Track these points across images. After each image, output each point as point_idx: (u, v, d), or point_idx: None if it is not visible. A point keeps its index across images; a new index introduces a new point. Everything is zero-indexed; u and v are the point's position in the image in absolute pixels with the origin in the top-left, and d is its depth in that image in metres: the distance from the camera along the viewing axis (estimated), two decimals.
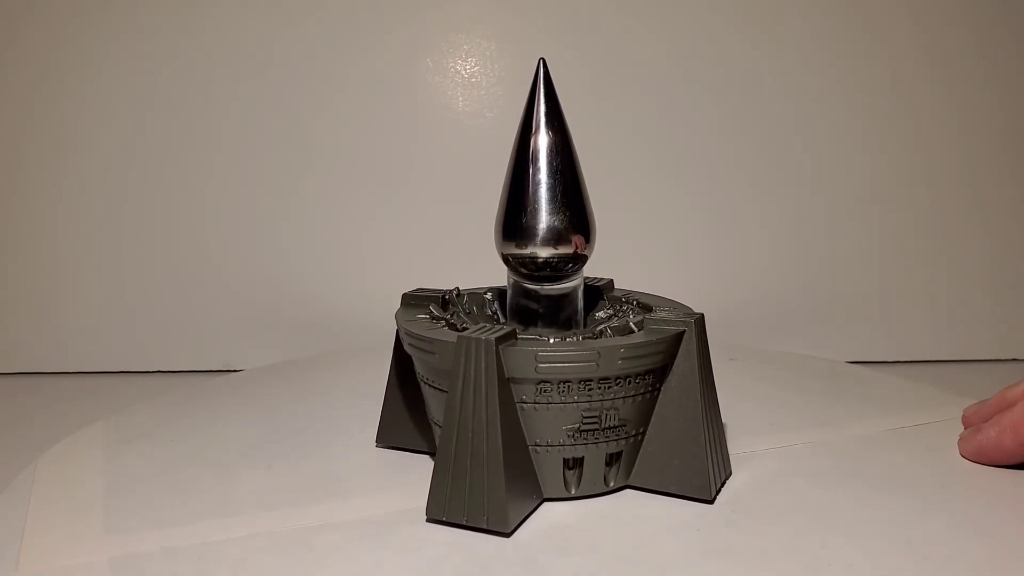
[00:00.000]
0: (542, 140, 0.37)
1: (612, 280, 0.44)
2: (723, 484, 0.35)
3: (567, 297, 0.39)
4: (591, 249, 0.38)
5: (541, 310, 0.39)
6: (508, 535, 0.31)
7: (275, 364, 0.60)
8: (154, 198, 0.67)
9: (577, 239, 0.37)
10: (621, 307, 0.42)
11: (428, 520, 0.33)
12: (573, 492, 0.34)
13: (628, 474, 0.35)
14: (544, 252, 0.37)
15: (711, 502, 0.34)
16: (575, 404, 0.33)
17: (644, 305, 0.40)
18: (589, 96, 0.68)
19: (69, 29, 0.65)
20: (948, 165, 0.70)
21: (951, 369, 0.70)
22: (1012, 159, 0.70)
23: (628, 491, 0.35)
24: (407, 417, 0.40)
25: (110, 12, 0.65)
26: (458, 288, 0.43)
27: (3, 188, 0.67)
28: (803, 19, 0.68)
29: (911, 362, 0.71)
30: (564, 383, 0.33)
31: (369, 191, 0.68)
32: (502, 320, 0.42)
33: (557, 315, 0.39)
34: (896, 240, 0.71)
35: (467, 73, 0.68)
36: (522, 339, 0.34)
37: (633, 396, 0.34)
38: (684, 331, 0.34)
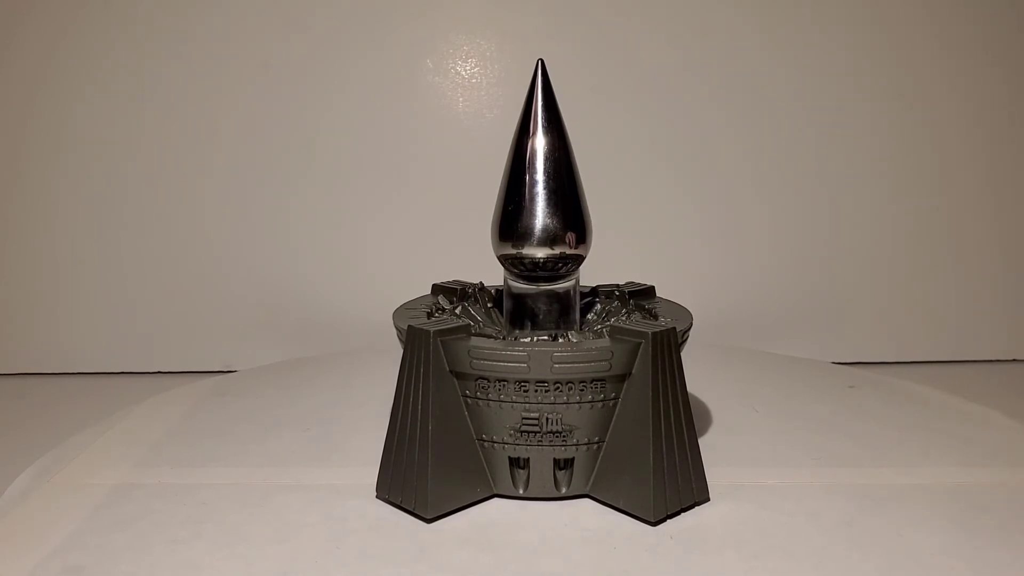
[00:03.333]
0: (539, 142, 0.37)
1: (653, 287, 0.43)
2: (684, 509, 0.34)
3: (557, 297, 0.39)
4: (586, 250, 0.38)
5: (532, 310, 0.39)
6: (428, 521, 0.33)
7: (274, 363, 0.60)
8: (154, 199, 0.67)
9: (571, 240, 0.37)
10: (636, 314, 0.41)
11: (377, 497, 0.35)
12: (522, 492, 0.35)
13: (587, 482, 0.34)
14: (538, 253, 0.37)
15: (653, 524, 0.32)
16: (512, 404, 0.33)
17: (655, 314, 0.40)
18: (589, 96, 0.68)
19: (69, 30, 0.65)
20: (948, 166, 0.70)
21: (951, 369, 0.70)
22: (1012, 160, 0.70)
23: (587, 500, 0.35)
24: None
25: (111, 13, 0.65)
26: (481, 283, 0.44)
27: (3, 188, 0.67)
28: (804, 20, 0.68)
29: (912, 363, 0.71)
30: (500, 381, 0.33)
31: (369, 191, 0.68)
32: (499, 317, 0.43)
33: (549, 315, 0.39)
34: (897, 242, 0.71)
35: (467, 74, 0.68)
36: (475, 335, 0.35)
37: (579, 403, 0.33)
38: (640, 343, 0.32)
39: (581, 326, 0.42)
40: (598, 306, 0.44)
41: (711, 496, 0.35)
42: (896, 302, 0.71)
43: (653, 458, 0.32)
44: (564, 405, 0.33)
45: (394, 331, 0.38)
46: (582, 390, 0.33)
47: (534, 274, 0.38)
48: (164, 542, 0.32)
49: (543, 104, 0.37)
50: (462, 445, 0.34)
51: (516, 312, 0.39)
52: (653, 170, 0.69)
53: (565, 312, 0.39)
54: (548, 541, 0.31)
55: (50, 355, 0.69)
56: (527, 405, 0.33)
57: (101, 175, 0.67)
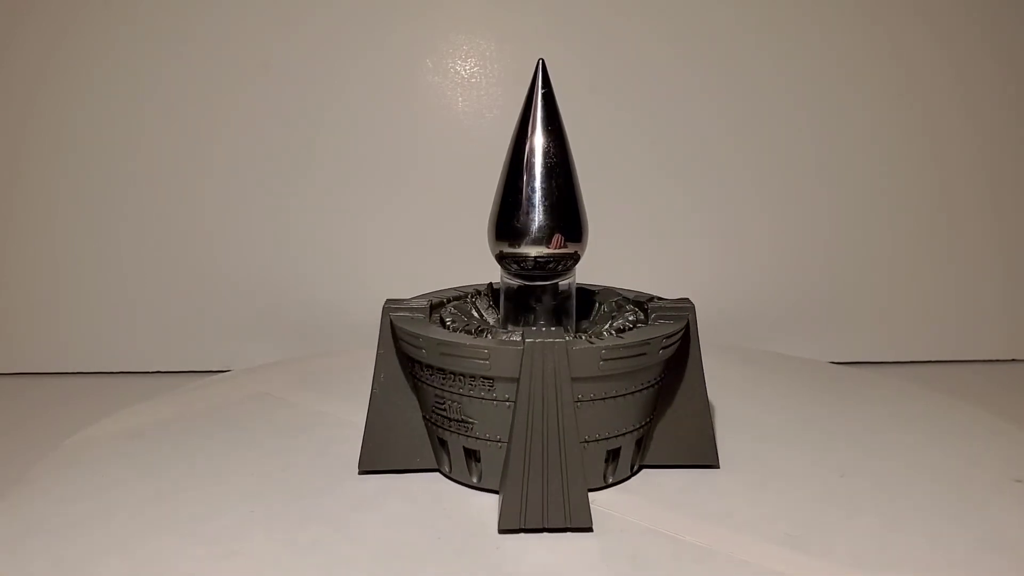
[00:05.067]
0: (537, 141, 0.37)
1: (692, 305, 0.39)
2: (553, 530, 0.32)
3: (555, 296, 0.39)
4: (582, 248, 0.38)
5: (530, 308, 0.39)
6: (360, 472, 0.37)
7: (274, 363, 0.60)
8: (154, 199, 0.68)
9: (559, 241, 0.37)
10: (638, 320, 0.41)
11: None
12: (448, 472, 0.37)
13: (498, 479, 0.35)
14: (533, 251, 0.37)
15: (499, 531, 0.32)
16: (426, 385, 0.36)
17: (631, 325, 0.39)
18: (589, 96, 0.68)
19: (70, 31, 0.65)
20: (948, 165, 0.70)
21: (951, 369, 0.70)
22: (1013, 159, 0.70)
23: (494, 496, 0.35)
24: None
25: (110, 14, 0.65)
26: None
27: (3, 188, 0.67)
28: (804, 19, 0.68)
29: (911, 362, 0.71)
30: (417, 363, 0.36)
31: (369, 191, 0.68)
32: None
33: (545, 313, 0.39)
34: (897, 241, 0.71)
35: (467, 73, 0.68)
36: (424, 320, 0.37)
37: (471, 397, 0.34)
38: (521, 349, 0.32)
39: (579, 326, 0.42)
40: (615, 310, 0.43)
41: (595, 528, 0.32)
42: (896, 302, 0.71)
43: (510, 465, 0.32)
44: (459, 396, 0.34)
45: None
46: (473, 384, 0.34)
47: (529, 272, 0.38)
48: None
49: (543, 104, 0.37)
50: (405, 416, 0.37)
51: (511, 310, 0.39)
52: (653, 170, 0.69)
53: (560, 311, 0.39)
54: (398, 517, 0.33)
55: (50, 355, 0.69)
56: (435, 390, 0.35)
57: (101, 175, 0.67)
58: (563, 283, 0.39)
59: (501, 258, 0.38)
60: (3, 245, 0.68)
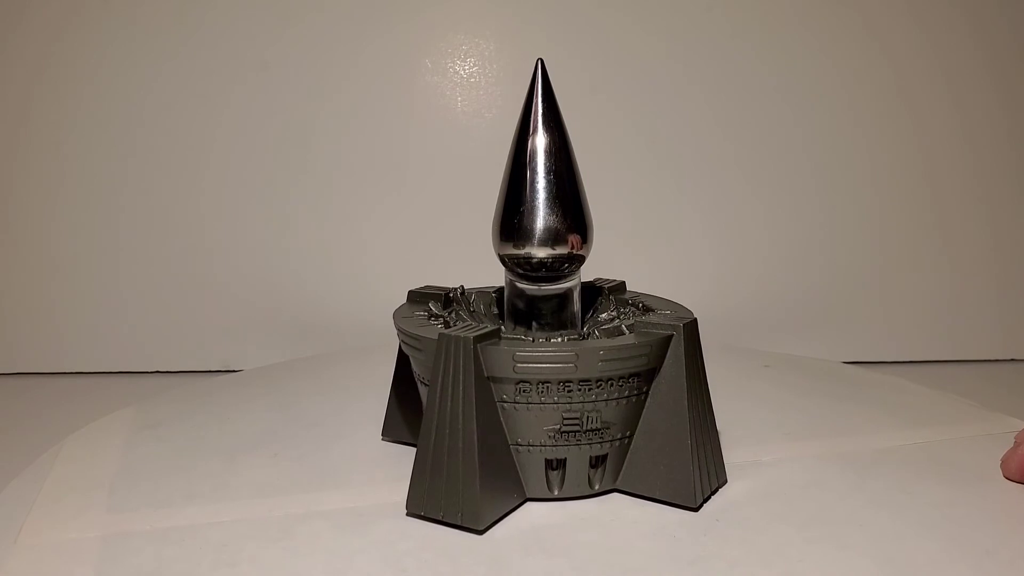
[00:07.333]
0: (539, 141, 0.37)
1: (624, 282, 0.43)
2: (713, 492, 0.35)
3: (563, 297, 0.39)
4: (588, 249, 0.38)
5: (538, 310, 0.39)
6: (481, 532, 0.32)
7: (275, 364, 0.60)
8: (153, 198, 0.67)
9: (574, 239, 0.37)
10: (624, 309, 0.41)
11: (408, 514, 0.33)
12: (556, 493, 0.34)
13: (615, 477, 0.35)
14: (540, 252, 0.37)
15: (696, 510, 0.33)
16: (555, 405, 0.33)
17: (647, 307, 0.40)
18: (588, 96, 0.68)
19: (67, 29, 0.65)
20: (947, 165, 0.70)
21: (950, 369, 0.70)
22: (1011, 159, 0.70)
23: (615, 495, 0.35)
24: (412, 412, 0.40)
25: (109, 12, 0.65)
26: (463, 286, 0.43)
27: (2, 188, 0.67)
28: (803, 20, 0.68)
29: (911, 362, 0.71)
30: (543, 383, 0.33)
31: (368, 191, 0.68)
32: (502, 320, 0.42)
33: (554, 315, 0.39)
34: (896, 240, 0.71)
35: (466, 73, 0.68)
36: (505, 339, 0.34)
37: (616, 399, 0.33)
38: (672, 335, 0.33)
39: (582, 325, 0.42)
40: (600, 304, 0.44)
41: (727, 477, 0.36)
42: (895, 302, 0.71)
43: (691, 446, 0.33)
44: (604, 402, 0.33)
45: (383, 333, 0.37)
46: (621, 386, 0.33)
47: (537, 274, 0.38)
48: None
49: (543, 104, 0.37)
50: (500, 452, 0.33)
51: (519, 312, 0.39)
52: (653, 170, 0.69)
53: (568, 311, 0.39)
54: (607, 538, 0.31)
55: (50, 355, 0.69)
56: (569, 405, 0.33)
57: (100, 174, 0.67)
58: (572, 282, 0.39)
59: (508, 260, 0.38)
60: (3, 245, 0.68)
